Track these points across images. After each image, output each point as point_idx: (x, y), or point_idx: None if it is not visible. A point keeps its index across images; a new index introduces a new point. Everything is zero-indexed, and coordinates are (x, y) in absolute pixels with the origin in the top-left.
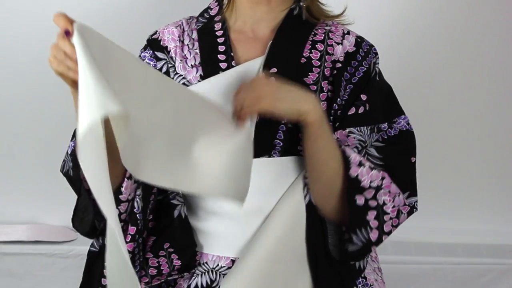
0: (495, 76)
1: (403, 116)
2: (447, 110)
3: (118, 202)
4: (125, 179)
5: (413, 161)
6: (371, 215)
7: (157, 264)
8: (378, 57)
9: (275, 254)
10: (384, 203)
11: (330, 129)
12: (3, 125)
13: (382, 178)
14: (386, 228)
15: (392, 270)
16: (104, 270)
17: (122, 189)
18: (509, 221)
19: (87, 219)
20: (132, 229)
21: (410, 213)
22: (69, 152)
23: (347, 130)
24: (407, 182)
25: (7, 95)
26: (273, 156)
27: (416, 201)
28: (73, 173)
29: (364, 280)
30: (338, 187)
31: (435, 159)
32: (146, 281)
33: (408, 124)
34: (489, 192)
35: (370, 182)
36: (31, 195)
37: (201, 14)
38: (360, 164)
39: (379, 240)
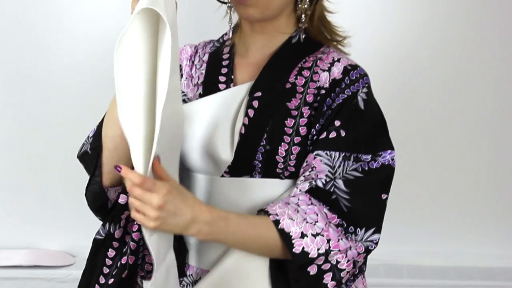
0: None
1: (389, 150)
2: (440, 127)
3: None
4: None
5: (383, 198)
6: (327, 278)
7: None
8: (367, 86)
9: (239, 268)
10: (337, 262)
11: (234, 222)
12: (0, 152)
13: (328, 241)
14: (345, 280)
15: None
16: (106, 259)
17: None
18: (499, 244)
19: (100, 195)
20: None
21: (367, 254)
22: (90, 136)
23: (314, 153)
24: (373, 219)
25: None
26: (254, 177)
27: (379, 238)
28: (92, 152)
29: None
30: (276, 251)
31: (427, 184)
32: (142, 274)
33: (393, 159)
34: (480, 216)
35: (318, 249)
36: (30, 220)
37: (218, 39)
38: (303, 236)
39: None
